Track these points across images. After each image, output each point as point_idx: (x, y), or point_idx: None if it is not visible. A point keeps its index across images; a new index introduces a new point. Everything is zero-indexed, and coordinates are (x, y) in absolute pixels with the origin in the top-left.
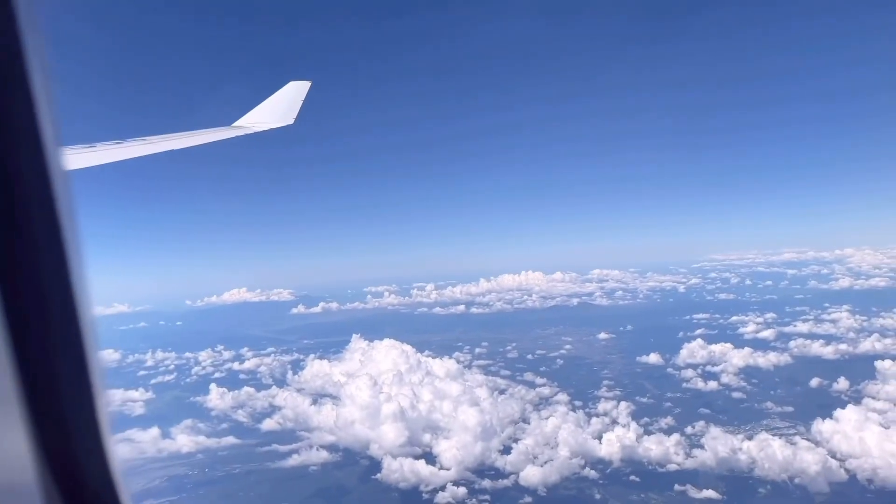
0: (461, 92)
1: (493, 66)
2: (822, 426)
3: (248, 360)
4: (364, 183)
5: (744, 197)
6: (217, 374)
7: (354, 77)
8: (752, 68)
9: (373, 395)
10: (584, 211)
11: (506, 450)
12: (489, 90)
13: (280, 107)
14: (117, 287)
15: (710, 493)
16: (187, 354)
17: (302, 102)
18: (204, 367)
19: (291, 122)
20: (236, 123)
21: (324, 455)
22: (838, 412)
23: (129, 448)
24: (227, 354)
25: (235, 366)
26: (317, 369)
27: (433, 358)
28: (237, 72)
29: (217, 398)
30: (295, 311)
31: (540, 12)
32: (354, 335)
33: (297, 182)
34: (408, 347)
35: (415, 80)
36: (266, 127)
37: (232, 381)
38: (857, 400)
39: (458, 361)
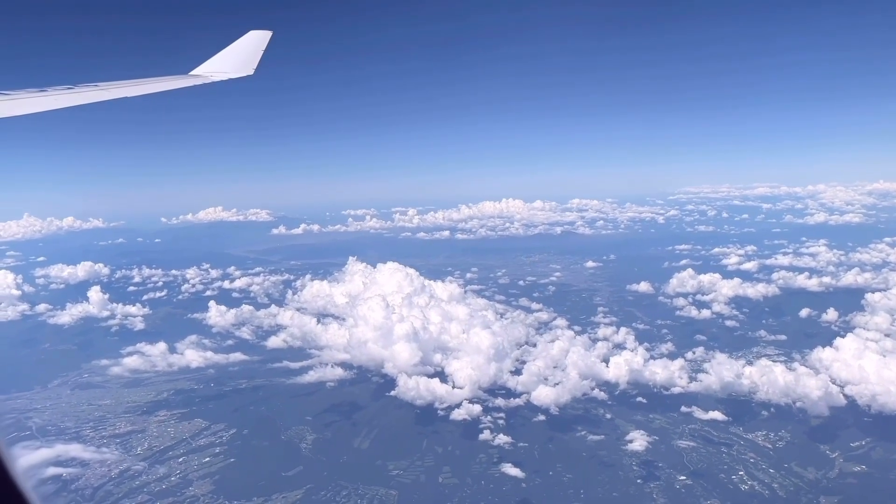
0: (441, 17)
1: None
2: (822, 354)
3: (238, 279)
4: (339, 105)
5: (716, 130)
6: (208, 292)
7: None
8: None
9: (385, 315)
10: (561, 141)
11: (517, 371)
12: (470, 17)
13: (240, 57)
14: (90, 202)
15: (715, 415)
16: (174, 272)
17: (262, 53)
18: (193, 285)
19: (251, 72)
20: (194, 72)
21: (339, 372)
22: (838, 341)
23: (140, 360)
24: (214, 273)
25: (226, 284)
26: (316, 289)
27: (435, 282)
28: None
29: (217, 315)
30: (276, 231)
31: None
32: (351, 257)
33: (271, 101)
34: (411, 270)
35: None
36: (225, 77)
37: (225, 300)
38: (847, 330)
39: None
